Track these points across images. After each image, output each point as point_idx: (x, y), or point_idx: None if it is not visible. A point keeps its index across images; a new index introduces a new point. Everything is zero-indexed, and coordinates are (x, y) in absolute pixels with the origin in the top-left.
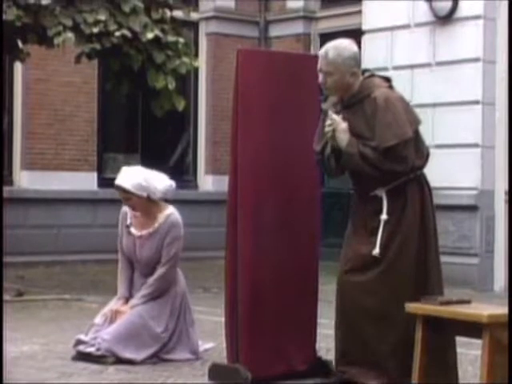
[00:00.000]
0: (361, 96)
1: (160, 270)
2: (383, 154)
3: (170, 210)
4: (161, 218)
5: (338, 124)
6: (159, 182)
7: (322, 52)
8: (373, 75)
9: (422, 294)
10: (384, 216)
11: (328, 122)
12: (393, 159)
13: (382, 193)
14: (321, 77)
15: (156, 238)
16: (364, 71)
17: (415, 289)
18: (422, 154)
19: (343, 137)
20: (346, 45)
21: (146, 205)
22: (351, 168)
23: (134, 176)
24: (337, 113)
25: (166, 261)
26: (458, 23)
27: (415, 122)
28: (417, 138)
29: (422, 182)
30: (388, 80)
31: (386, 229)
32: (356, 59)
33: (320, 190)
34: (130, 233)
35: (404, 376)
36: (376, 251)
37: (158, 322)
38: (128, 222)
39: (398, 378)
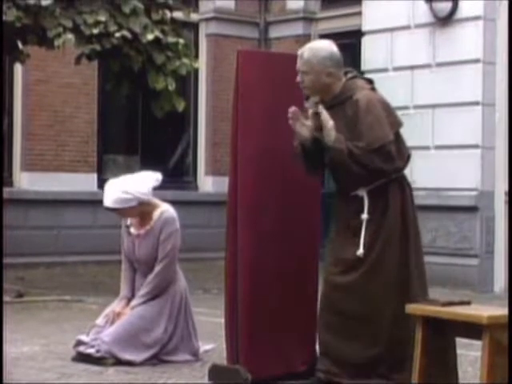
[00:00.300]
0: (343, 97)
1: (157, 268)
2: (373, 153)
3: (165, 207)
4: (155, 215)
5: (327, 121)
6: (141, 184)
7: (299, 52)
8: (356, 77)
9: (404, 295)
10: (365, 215)
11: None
12: (382, 158)
13: (363, 193)
14: (298, 76)
15: (152, 235)
16: (347, 72)
17: (398, 290)
18: (403, 156)
19: (331, 133)
20: (322, 45)
21: (141, 209)
22: (337, 164)
23: (113, 193)
24: (316, 113)
25: (163, 257)
26: (457, 24)
27: (396, 124)
28: (398, 139)
29: (403, 183)
30: (371, 82)
31: (369, 229)
32: (332, 59)
33: (320, 191)
34: (129, 233)
35: (392, 375)
36: (360, 252)
37: (158, 323)
38: (128, 222)
39: (384, 378)
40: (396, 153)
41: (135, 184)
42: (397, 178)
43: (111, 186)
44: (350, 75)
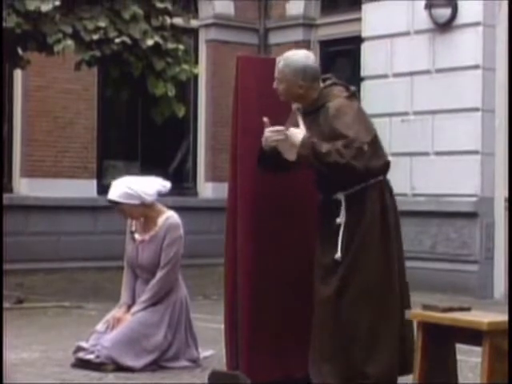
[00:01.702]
0: (318, 105)
1: (159, 273)
2: (345, 148)
3: (169, 214)
4: (160, 221)
5: (290, 134)
6: (148, 186)
7: (277, 59)
8: (334, 84)
9: (385, 302)
10: (339, 219)
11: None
12: (353, 154)
13: (341, 197)
14: (275, 82)
15: (156, 241)
16: (325, 79)
17: (378, 295)
18: (379, 159)
19: (300, 136)
20: (297, 57)
21: (143, 211)
22: (308, 165)
23: (118, 187)
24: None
25: (165, 263)
26: (457, 30)
27: (371, 130)
28: (375, 145)
29: (383, 189)
30: (348, 89)
31: (345, 233)
32: (306, 73)
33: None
34: (133, 239)
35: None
36: (337, 255)
37: (158, 329)
38: (133, 228)
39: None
40: (370, 154)
41: (142, 184)
42: (376, 183)
43: (119, 181)
44: (328, 82)
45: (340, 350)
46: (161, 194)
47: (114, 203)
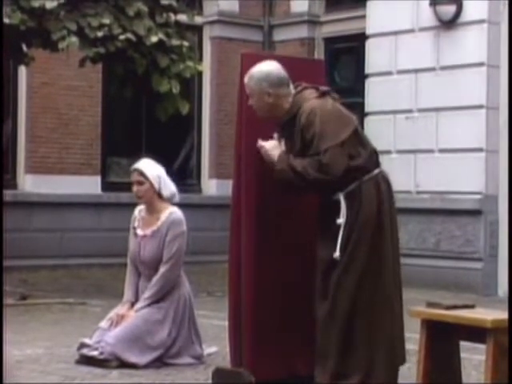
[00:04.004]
0: (292, 114)
1: (162, 269)
2: (310, 165)
3: (173, 209)
4: (163, 216)
5: (265, 147)
6: (170, 183)
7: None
8: (304, 88)
9: (377, 298)
10: (340, 220)
11: (262, 150)
12: (316, 169)
13: (340, 197)
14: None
15: (158, 236)
16: (296, 86)
17: (370, 291)
18: (359, 155)
19: (275, 153)
20: (258, 67)
21: (153, 198)
22: (285, 183)
23: (153, 165)
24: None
25: (168, 259)
26: (462, 28)
27: (347, 126)
28: (357, 138)
29: (379, 183)
30: (318, 89)
31: (344, 232)
32: (269, 79)
33: None
34: (136, 234)
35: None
36: (336, 254)
37: (162, 326)
38: (135, 224)
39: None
40: (350, 151)
41: (168, 179)
42: (370, 178)
43: (152, 162)
44: (298, 88)
45: (339, 348)
46: (170, 199)
47: (139, 173)
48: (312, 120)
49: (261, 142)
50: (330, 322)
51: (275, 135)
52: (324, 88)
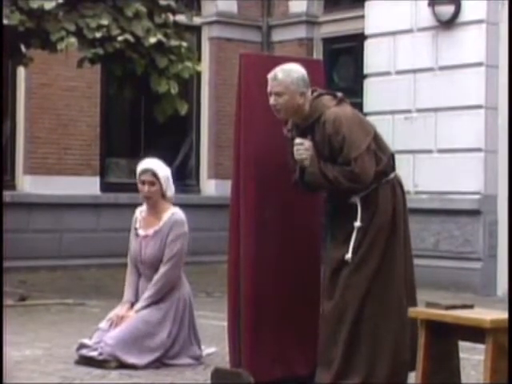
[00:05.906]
0: (312, 119)
1: (162, 269)
2: (341, 175)
3: (175, 210)
4: (165, 216)
5: (305, 145)
6: (172, 184)
7: (271, 75)
8: (321, 94)
9: (386, 302)
10: (358, 223)
11: (299, 147)
12: (348, 178)
13: (356, 200)
14: (271, 99)
15: (159, 236)
16: (312, 92)
17: (380, 295)
18: (381, 161)
19: (309, 154)
20: (293, 67)
21: (159, 198)
22: (312, 184)
23: (163, 166)
24: (292, 138)
25: (168, 259)
26: (460, 28)
27: (369, 132)
28: (376, 143)
29: (395, 185)
30: (335, 96)
31: (358, 234)
32: (304, 80)
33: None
34: (137, 234)
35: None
36: (348, 256)
37: (162, 327)
38: (137, 225)
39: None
40: (368, 164)
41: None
42: (387, 181)
43: (161, 163)
44: (315, 94)
45: (344, 350)
46: (171, 200)
47: (152, 174)
48: (338, 128)
49: (300, 139)
50: (337, 324)
51: (288, 134)
52: (339, 94)
